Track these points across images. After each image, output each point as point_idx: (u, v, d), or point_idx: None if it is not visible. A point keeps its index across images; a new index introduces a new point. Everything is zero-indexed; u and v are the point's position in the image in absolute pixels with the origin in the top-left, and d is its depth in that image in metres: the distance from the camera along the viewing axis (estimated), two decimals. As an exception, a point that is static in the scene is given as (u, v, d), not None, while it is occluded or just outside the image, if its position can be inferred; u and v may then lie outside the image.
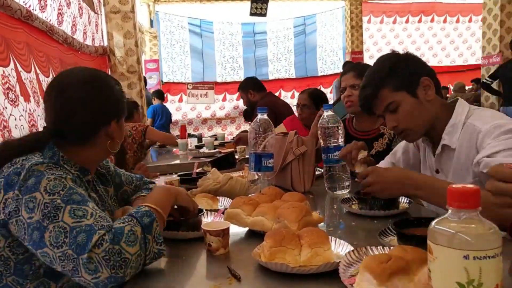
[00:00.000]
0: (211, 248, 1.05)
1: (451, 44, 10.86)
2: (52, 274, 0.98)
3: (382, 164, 1.66)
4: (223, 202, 1.52)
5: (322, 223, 1.30)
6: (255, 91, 3.99)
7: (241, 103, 9.87)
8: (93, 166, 1.16)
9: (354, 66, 2.17)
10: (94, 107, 1.08)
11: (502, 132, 1.18)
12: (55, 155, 1.05)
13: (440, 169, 1.41)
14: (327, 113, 1.62)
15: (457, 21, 10.73)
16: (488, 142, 1.19)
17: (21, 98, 2.17)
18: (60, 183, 0.93)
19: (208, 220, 1.29)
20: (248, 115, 4.20)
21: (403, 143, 1.62)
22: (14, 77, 2.14)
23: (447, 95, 8.37)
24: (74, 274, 0.84)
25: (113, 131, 1.11)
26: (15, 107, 2.10)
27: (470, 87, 8.83)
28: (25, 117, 2.20)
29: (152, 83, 7.53)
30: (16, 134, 2.05)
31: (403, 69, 1.35)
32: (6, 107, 2.01)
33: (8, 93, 2.04)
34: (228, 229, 1.07)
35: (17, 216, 0.90)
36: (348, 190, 1.61)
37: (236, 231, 1.21)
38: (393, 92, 1.33)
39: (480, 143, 1.23)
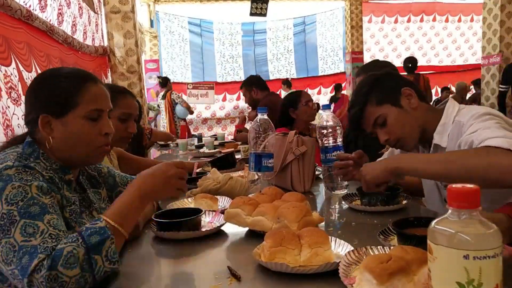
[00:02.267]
0: None
1: (453, 43, 10.87)
2: None
3: None
4: (223, 202, 1.52)
5: (322, 223, 1.30)
6: (258, 89, 3.99)
7: (241, 103, 9.89)
8: (69, 163, 1.09)
9: (364, 68, 2.16)
10: (27, 101, 1.09)
11: (478, 115, 1.24)
12: (34, 152, 1.04)
13: None
14: (326, 113, 1.62)
15: (459, 20, 10.74)
16: (468, 125, 1.24)
17: (23, 98, 2.19)
18: (22, 192, 0.91)
19: (207, 220, 1.29)
20: None
21: None
22: (16, 76, 2.14)
23: (450, 95, 8.34)
24: None
25: (42, 128, 1.04)
26: (17, 106, 2.11)
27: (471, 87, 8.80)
28: (27, 116, 2.21)
29: (152, 83, 7.53)
30: (19, 132, 2.06)
31: (382, 84, 1.43)
32: (8, 106, 2.02)
33: (10, 92, 2.05)
34: None
35: None
36: (346, 190, 1.61)
37: (236, 231, 1.21)
38: (377, 107, 1.40)
39: (463, 132, 1.27)
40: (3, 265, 0.86)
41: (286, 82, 8.90)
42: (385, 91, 1.41)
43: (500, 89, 5.64)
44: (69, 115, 1.05)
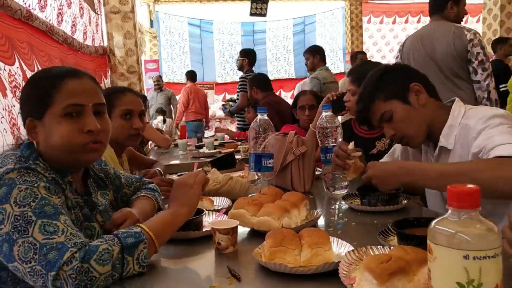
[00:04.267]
0: (220, 246, 1.04)
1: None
2: None
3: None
4: (221, 202, 1.52)
5: (322, 223, 1.30)
6: (258, 89, 3.99)
7: (241, 103, 9.88)
8: (63, 166, 1.06)
9: (351, 70, 2.16)
10: (20, 106, 1.08)
11: (487, 119, 1.22)
12: (32, 154, 1.02)
13: None
14: (325, 113, 1.63)
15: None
16: (478, 130, 1.23)
17: (28, 96, 2.20)
18: (31, 193, 0.90)
19: (209, 220, 1.29)
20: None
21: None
22: (20, 75, 2.14)
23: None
24: None
25: (28, 130, 1.03)
26: (23, 105, 2.11)
27: None
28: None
29: (152, 83, 7.53)
30: (25, 132, 2.07)
31: (391, 79, 1.40)
32: (14, 105, 2.02)
33: (15, 91, 2.05)
34: (236, 227, 1.07)
35: None
36: (346, 190, 1.61)
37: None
38: (385, 102, 1.37)
39: (471, 136, 1.26)
40: (20, 263, 0.84)
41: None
42: (393, 86, 1.38)
43: (503, 89, 5.61)
44: (46, 115, 1.00)
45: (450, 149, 1.33)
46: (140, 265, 0.90)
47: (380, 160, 1.69)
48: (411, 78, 1.38)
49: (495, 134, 1.16)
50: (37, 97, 1.02)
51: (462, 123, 1.32)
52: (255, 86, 4.02)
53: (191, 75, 7.18)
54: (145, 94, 5.29)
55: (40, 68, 2.48)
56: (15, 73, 2.09)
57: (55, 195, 0.95)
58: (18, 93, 2.09)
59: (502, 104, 4.89)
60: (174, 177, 1.97)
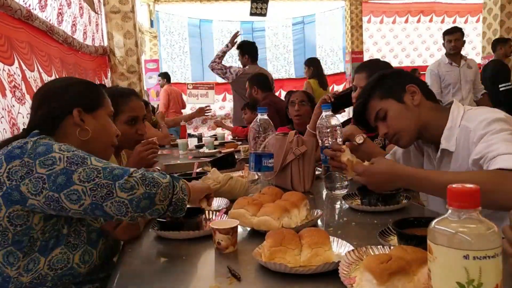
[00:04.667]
0: (220, 246, 1.05)
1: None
2: (45, 248, 1.01)
3: None
4: (220, 202, 1.52)
5: (322, 223, 1.30)
6: (259, 89, 4.00)
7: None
8: None
9: (366, 66, 2.11)
10: (53, 97, 1.17)
11: (488, 123, 1.22)
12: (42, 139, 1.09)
13: None
14: (325, 113, 1.62)
15: (454, 22, 10.75)
16: (478, 135, 1.22)
17: (27, 96, 2.19)
18: (71, 148, 1.01)
19: (209, 220, 1.29)
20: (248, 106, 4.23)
21: None
22: (19, 75, 2.14)
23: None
24: (107, 199, 0.94)
25: (78, 119, 1.15)
26: (22, 105, 2.11)
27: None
28: (32, 115, 2.21)
29: (152, 83, 7.54)
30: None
31: (390, 80, 1.45)
32: (13, 105, 2.02)
33: (15, 91, 2.05)
34: (236, 227, 1.07)
35: (31, 175, 0.95)
36: (346, 190, 1.61)
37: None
38: (381, 101, 1.42)
39: (472, 140, 1.26)
40: (80, 184, 0.94)
41: None
42: (390, 87, 1.43)
43: (506, 87, 5.57)
44: (98, 112, 1.21)
45: (452, 151, 1.33)
46: (183, 192, 1.06)
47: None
48: (408, 81, 1.42)
49: (496, 142, 1.15)
50: (92, 94, 1.24)
51: (462, 125, 1.32)
52: (255, 86, 4.01)
53: (167, 77, 7.40)
54: (148, 93, 5.30)
55: (40, 68, 2.48)
56: (14, 73, 2.09)
57: None
58: (18, 93, 2.09)
59: (504, 103, 4.90)
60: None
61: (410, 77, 1.49)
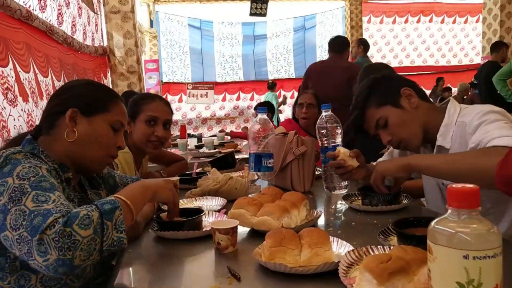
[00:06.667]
0: (220, 246, 1.05)
1: (446, 45, 10.91)
2: (28, 266, 0.97)
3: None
4: (217, 202, 1.52)
5: (322, 223, 1.30)
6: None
7: (241, 103, 9.89)
8: (69, 161, 1.12)
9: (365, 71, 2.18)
10: (55, 97, 1.16)
11: (483, 113, 1.22)
12: (34, 149, 1.07)
13: None
14: (325, 113, 1.62)
15: (454, 22, 10.76)
16: (474, 126, 1.23)
17: (19, 98, 2.18)
18: (34, 170, 0.95)
19: (209, 220, 1.29)
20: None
21: None
22: (13, 77, 2.14)
23: (451, 96, 8.33)
24: (29, 257, 0.83)
25: (69, 118, 1.09)
26: (13, 107, 2.10)
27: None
28: (23, 117, 2.20)
29: (152, 83, 7.53)
30: (15, 134, 2.06)
31: (381, 86, 1.43)
32: (4, 107, 2.01)
33: (7, 93, 2.04)
34: (236, 227, 1.07)
35: None
36: (346, 190, 1.61)
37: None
38: (378, 109, 1.40)
39: (467, 131, 1.26)
40: (10, 231, 0.86)
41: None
42: (384, 92, 1.41)
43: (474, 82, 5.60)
44: (96, 117, 1.13)
45: (448, 148, 1.34)
46: (118, 230, 0.90)
47: (379, 160, 1.69)
48: (400, 84, 1.41)
49: (492, 129, 1.16)
50: (93, 98, 1.16)
51: (458, 121, 1.33)
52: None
53: None
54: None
55: (36, 69, 2.48)
56: (8, 74, 2.09)
57: (54, 179, 0.99)
58: (10, 95, 2.08)
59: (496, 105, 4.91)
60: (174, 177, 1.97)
61: (401, 79, 1.48)
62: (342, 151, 1.50)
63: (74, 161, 1.12)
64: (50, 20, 2.82)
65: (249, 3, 7.45)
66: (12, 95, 2.10)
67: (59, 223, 0.83)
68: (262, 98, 8.77)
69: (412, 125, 1.37)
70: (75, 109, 1.10)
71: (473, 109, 1.31)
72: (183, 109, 9.49)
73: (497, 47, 5.23)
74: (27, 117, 2.26)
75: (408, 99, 1.39)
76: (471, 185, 0.60)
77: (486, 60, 6.00)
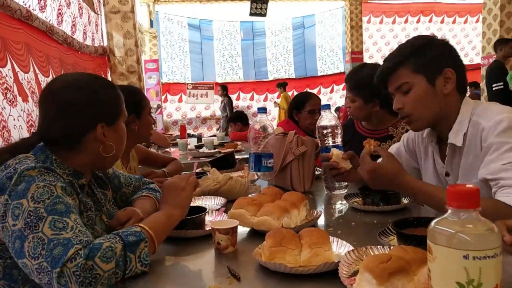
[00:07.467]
0: (219, 246, 1.05)
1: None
2: None
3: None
4: (217, 202, 1.52)
5: (322, 223, 1.30)
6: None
7: (240, 103, 9.90)
8: (87, 170, 1.12)
9: (348, 77, 2.14)
10: (76, 111, 1.05)
11: (503, 131, 1.16)
12: (47, 158, 1.04)
13: (450, 170, 1.35)
14: (325, 113, 1.63)
15: (453, 22, 10.77)
16: (492, 142, 1.17)
17: (19, 98, 2.18)
18: (48, 191, 0.92)
19: (209, 219, 1.29)
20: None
21: (395, 146, 1.61)
22: (11, 77, 2.14)
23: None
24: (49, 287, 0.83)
25: (101, 135, 1.07)
26: (13, 107, 2.10)
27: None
28: (23, 117, 2.21)
29: (152, 83, 7.53)
30: (15, 134, 2.06)
31: (429, 53, 1.27)
32: (4, 107, 2.01)
33: (6, 93, 2.04)
34: (236, 227, 1.07)
35: (4, 222, 0.89)
36: (346, 190, 1.61)
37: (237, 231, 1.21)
38: (411, 73, 1.27)
39: (484, 140, 1.20)
40: (29, 260, 0.85)
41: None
42: (427, 61, 1.26)
43: (497, 87, 5.57)
44: (117, 122, 1.13)
45: (459, 146, 1.27)
46: (142, 263, 0.91)
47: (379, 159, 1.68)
48: (448, 62, 1.27)
49: (510, 168, 1.10)
50: (111, 106, 1.12)
51: (473, 121, 1.25)
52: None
53: None
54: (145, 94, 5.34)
55: (36, 69, 2.48)
56: (6, 74, 2.09)
57: (69, 196, 0.97)
58: (9, 95, 2.08)
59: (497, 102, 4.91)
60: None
61: (455, 58, 1.30)
62: (335, 153, 1.51)
63: (95, 167, 1.12)
64: (49, 20, 2.82)
65: (248, 3, 7.45)
66: (11, 95, 2.10)
67: (80, 256, 0.82)
68: (262, 98, 8.77)
69: (430, 108, 1.27)
70: (103, 124, 1.07)
71: (490, 110, 1.23)
72: (183, 109, 9.50)
73: (496, 46, 5.22)
74: (27, 117, 2.26)
75: (445, 82, 1.25)
76: (471, 185, 0.60)
77: (487, 60, 6.01)
